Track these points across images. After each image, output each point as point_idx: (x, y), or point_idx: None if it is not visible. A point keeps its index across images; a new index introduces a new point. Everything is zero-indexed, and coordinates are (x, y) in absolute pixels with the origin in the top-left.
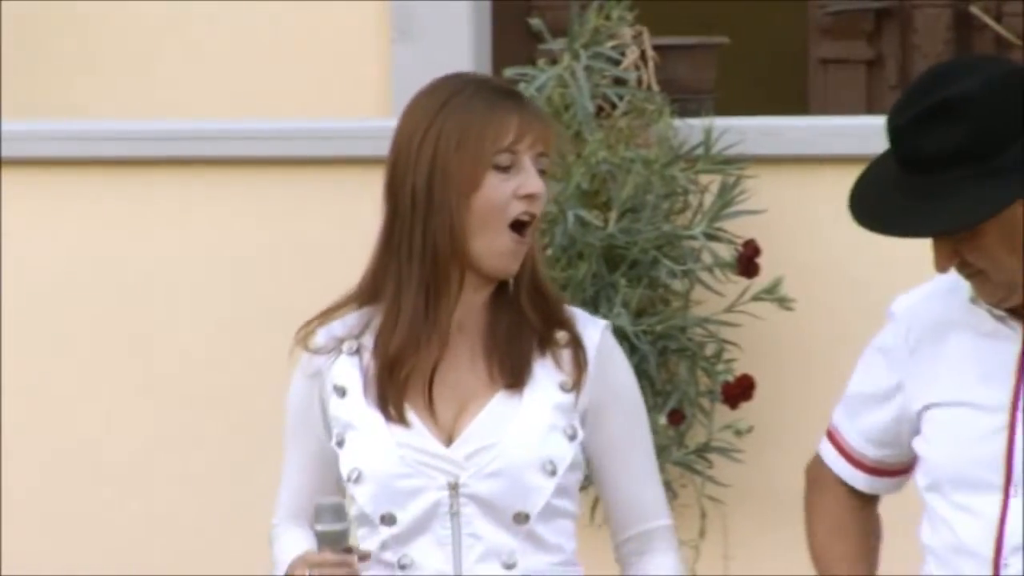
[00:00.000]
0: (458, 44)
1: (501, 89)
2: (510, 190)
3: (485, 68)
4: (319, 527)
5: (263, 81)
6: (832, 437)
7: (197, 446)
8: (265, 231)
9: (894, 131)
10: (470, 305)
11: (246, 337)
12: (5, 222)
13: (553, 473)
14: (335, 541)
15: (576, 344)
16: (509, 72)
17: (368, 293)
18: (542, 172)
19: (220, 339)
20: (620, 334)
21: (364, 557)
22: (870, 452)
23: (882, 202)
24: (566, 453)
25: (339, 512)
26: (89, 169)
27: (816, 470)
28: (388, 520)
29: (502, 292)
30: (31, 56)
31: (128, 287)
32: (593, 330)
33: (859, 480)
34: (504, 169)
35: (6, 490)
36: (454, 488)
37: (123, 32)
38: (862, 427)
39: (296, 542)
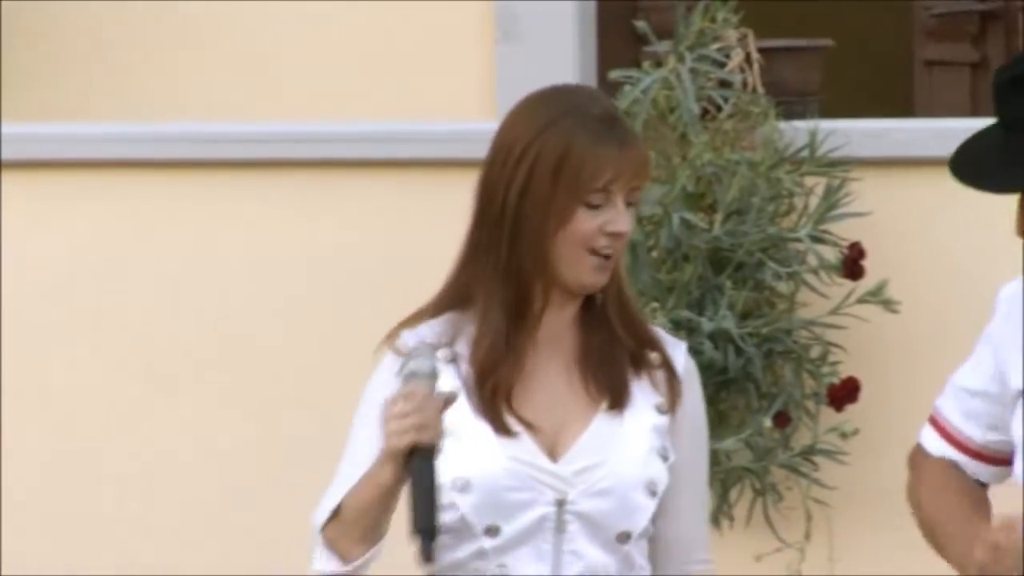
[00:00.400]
0: (563, 46)
1: (605, 120)
2: (597, 225)
3: (590, 70)
4: (411, 364)
5: (365, 83)
6: (935, 422)
7: (284, 452)
8: (367, 234)
9: (995, 89)
10: (559, 320)
11: (343, 342)
12: (82, 224)
13: (654, 494)
14: (424, 380)
15: (668, 365)
16: (614, 74)
17: (455, 299)
18: (630, 205)
19: (311, 342)
20: (726, 337)
21: (450, 400)
22: (976, 435)
23: (980, 159)
24: (663, 475)
25: (430, 352)
26: (174, 171)
27: (917, 455)
28: (492, 531)
29: (590, 308)
30: (128, 56)
31: (211, 288)
32: (679, 352)
33: (962, 462)
34: (595, 207)
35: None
36: (561, 504)
37: (232, 34)
38: (966, 409)
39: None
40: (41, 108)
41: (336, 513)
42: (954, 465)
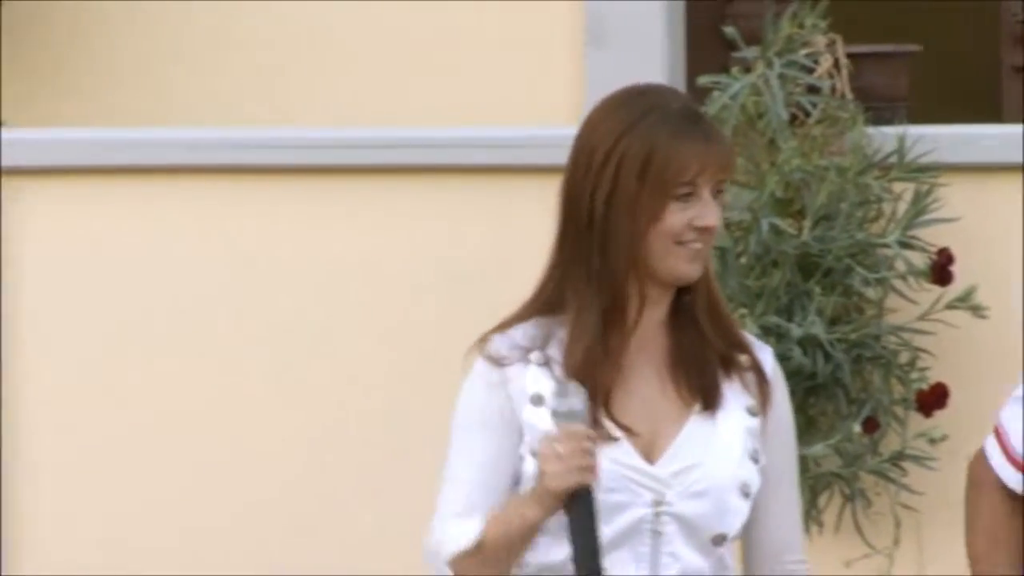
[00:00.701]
0: (651, 51)
1: (686, 115)
2: (687, 219)
3: (679, 76)
4: (562, 404)
5: (454, 88)
6: (998, 434)
7: (370, 456)
8: (457, 240)
9: None
10: (650, 323)
11: (435, 346)
12: (186, 231)
13: (747, 496)
14: (578, 420)
15: (757, 368)
16: (703, 80)
17: (546, 304)
18: (718, 193)
19: (400, 347)
20: (814, 342)
21: (605, 439)
22: None
23: None
24: (756, 477)
25: (577, 390)
26: (269, 177)
27: (978, 466)
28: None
29: (679, 310)
30: (192, 61)
31: (298, 293)
32: (766, 355)
33: (1017, 482)
34: (683, 198)
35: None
36: (658, 506)
37: (318, 38)
38: None
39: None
40: (111, 113)
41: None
42: (1008, 499)
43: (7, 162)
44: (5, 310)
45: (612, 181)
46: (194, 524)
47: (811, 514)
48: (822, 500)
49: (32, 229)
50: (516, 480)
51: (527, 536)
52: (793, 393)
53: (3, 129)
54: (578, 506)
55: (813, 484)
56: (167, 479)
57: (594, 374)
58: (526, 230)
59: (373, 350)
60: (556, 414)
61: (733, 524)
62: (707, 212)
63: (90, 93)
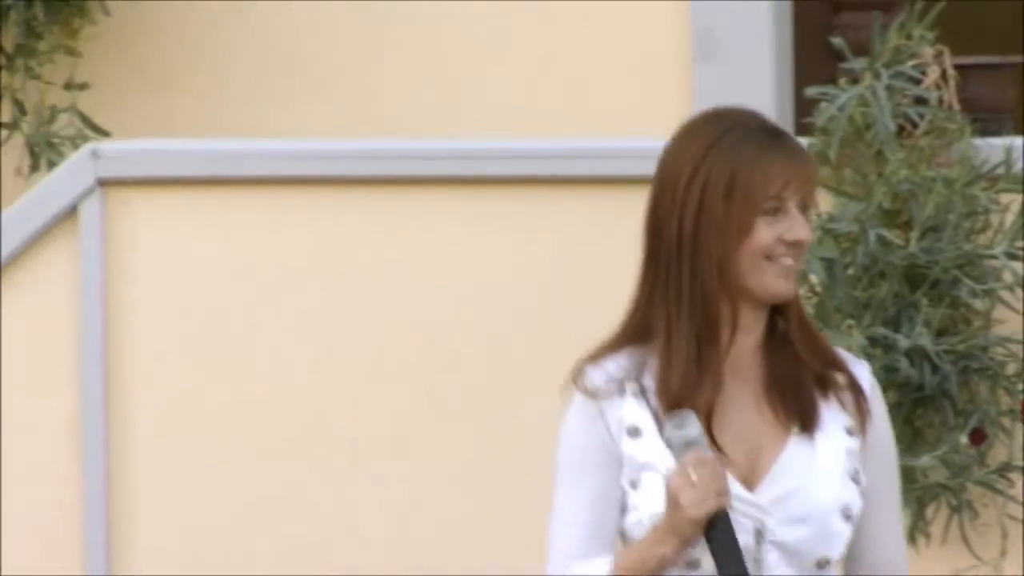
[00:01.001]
0: (760, 64)
1: (767, 131)
2: (776, 235)
3: (787, 87)
4: (681, 433)
5: (564, 101)
6: None
7: (479, 472)
8: (561, 253)
9: None
10: (744, 347)
11: (541, 365)
12: (313, 242)
13: (849, 518)
14: (699, 447)
15: (855, 386)
16: (811, 91)
17: (636, 333)
18: (804, 208)
19: (501, 359)
20: (922, 354)
21: (726, 463)
22: None
23: None
24: (857, 499)
25: (693, 419)
26: (377, 188)
27: None
28: (693, 565)
29: (772, 334)
30: (319, 71)
31: (404, 303)
32: (863, 372)
33: None
34: (771, 213)
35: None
36: (759, 533)
37: (439, 52)
38: None
39: (603, 568)
40: (219, 125)
41: None
42: None
43: (113, 173)
44: (111, 321)
45: (698, 203)
46: (295, 532)
47: (918, 525)
48: (929, 511)
49: (138, 240)
50: (623, 510)
51: (661, 571)
52: (900, 405)
53: (109, 140)
54: (719, 530)
55: (920, 496)
56: (285, 490)
57: (690, 401)
58: (634, 241)
59: (479, 357)
60: (674, 444)
61: (836, 547)
62: (796, 226)
63: (197, 104)
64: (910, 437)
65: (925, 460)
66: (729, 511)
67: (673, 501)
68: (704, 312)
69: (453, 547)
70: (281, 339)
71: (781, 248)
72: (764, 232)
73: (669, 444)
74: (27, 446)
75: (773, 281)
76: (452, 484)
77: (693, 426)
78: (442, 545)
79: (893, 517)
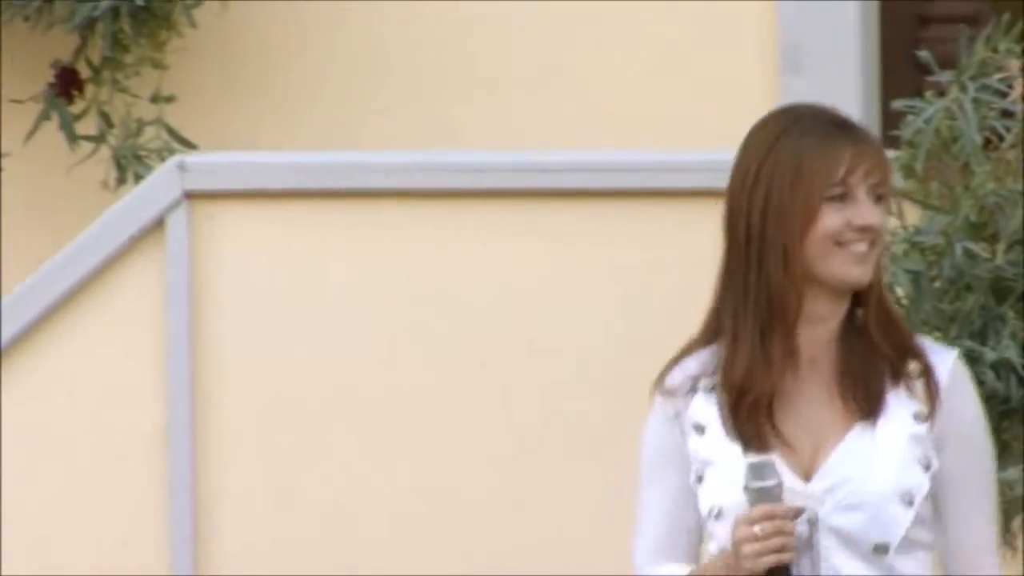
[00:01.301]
0: (846, 76)
1: (833, 121)
2: (844, 220)
3: (873, 100)
4: (757, 484)
5: (649, 112)
6: None
7: (558, 481)
8: (651, 262)
9: None
10: (818, 338)
11: (609, 370)
12: (425, 254)
13: (911, 503)
14: (773, 498)
15: (928, 373)
16: (897, 104)
17: (714, 330)
18: (879, 199)
19: (585, 371)
20: (1008, 366)
21: (798, 514)
22: None
23: None
24: (922, 483)
25: (772, 468)
26: (469, 201)
27: None
28: None
29: (851, 324)
30: (415, 81)
31: (499, 318)
32: (945, 359)
33: None
34: (838, 199)
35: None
36: (814, 523)
37: (510, 61)
38: None
39: (683, 569)
40: (304, 136)
41: None
42: None
43: (199, 185)
44: (198, 333)
45: (765, 195)
46: (378, 536)
47: (1004, 538)
48: (1015, 524)
49: (224, 253)
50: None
51: None
52: (986, 418)
53: (196, 153)
54: None
55: (1007, 508)
56: (371, 502)
57: (753, 387)
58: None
59: (573, 370)
60: (749, 491)
61: (895, 533)
62: (864, 211)
63: (284, 116)
64: (996, 450)
65: (1011, 473)
66: (792, 566)
67: (736, 549)
68: (769, 302)
69: (539, 548)
70: (367, 351)
71: (850, 233)
72: (831, 218)
73: (745, 490)
74: (115, 459)
75: (843, 267)
76: (546, 490)
77: (771, 476)
78: (525, 544)
79: (977, 500)
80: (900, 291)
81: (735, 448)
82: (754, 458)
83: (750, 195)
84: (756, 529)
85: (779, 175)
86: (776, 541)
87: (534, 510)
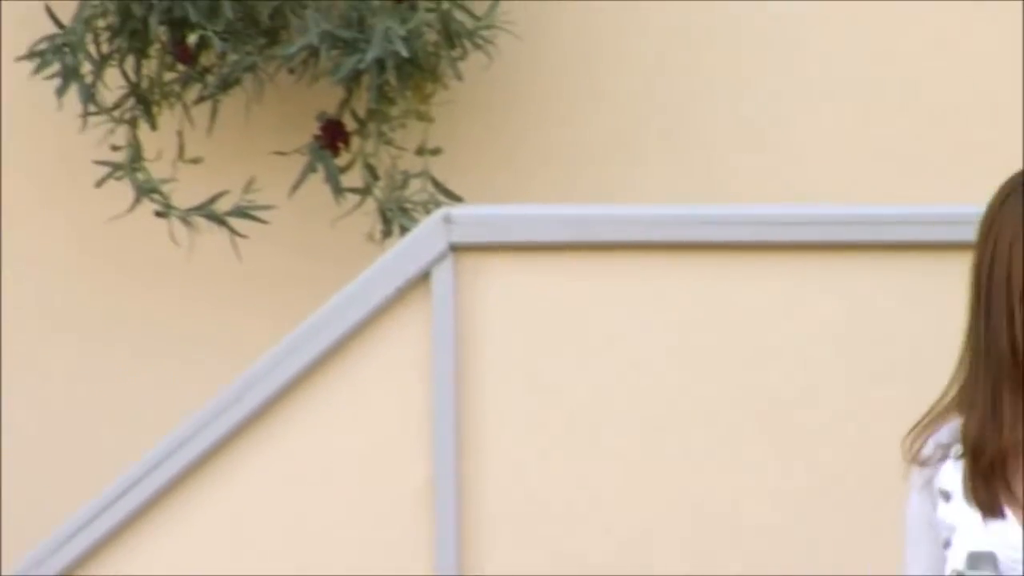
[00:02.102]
0: None
1: None
2: None
3: None
4: (970, 574)
5: (943, 160)
6: None
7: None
8: (923, 316)
9: None
10: None
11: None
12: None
13: None
14: None
15: None
16: None
17: (961, 395)
18: None
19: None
20: None
21: None
22: None
23: None
24: None
25: (990, 561)
26: (745, 253)
27: None
28: None
29: None
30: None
31: (776, 368)
32: None
33: None
34: None
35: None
36: None
37: (808, 118)
38: None
39: None
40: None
41: None
42: None
43: (465, 238)
44: (463, 387)
45: (992, 251)
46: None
47: None
48: None
49: (490, 306)
50: None
51: None
52: None
53: (461, 205)
54: None
55: None
56: (646, 561)
57: (988, 451)
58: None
59: (833, 422)
60: None
61: None
62: None
63: (549, 168)
64: None
65: None
66: None
67: None
68: (999, 362)
69: None
70: (635, 414)
71: None
72: None
73: None
74: (380, 513)
75: None
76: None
77: (986, 568)
78: None
79: None
80: None
81: (975, 514)
82: (974, 548)
83: (981, 254)
84: None
85: (1002, 241)
86: None
87: (826, 546)
